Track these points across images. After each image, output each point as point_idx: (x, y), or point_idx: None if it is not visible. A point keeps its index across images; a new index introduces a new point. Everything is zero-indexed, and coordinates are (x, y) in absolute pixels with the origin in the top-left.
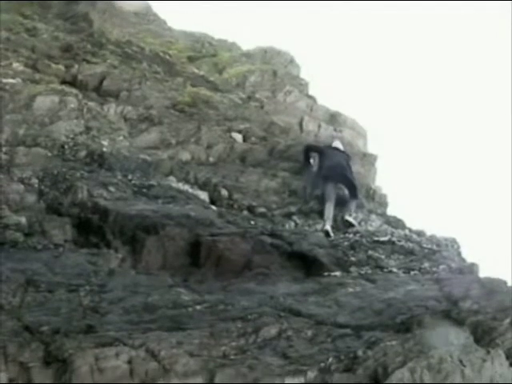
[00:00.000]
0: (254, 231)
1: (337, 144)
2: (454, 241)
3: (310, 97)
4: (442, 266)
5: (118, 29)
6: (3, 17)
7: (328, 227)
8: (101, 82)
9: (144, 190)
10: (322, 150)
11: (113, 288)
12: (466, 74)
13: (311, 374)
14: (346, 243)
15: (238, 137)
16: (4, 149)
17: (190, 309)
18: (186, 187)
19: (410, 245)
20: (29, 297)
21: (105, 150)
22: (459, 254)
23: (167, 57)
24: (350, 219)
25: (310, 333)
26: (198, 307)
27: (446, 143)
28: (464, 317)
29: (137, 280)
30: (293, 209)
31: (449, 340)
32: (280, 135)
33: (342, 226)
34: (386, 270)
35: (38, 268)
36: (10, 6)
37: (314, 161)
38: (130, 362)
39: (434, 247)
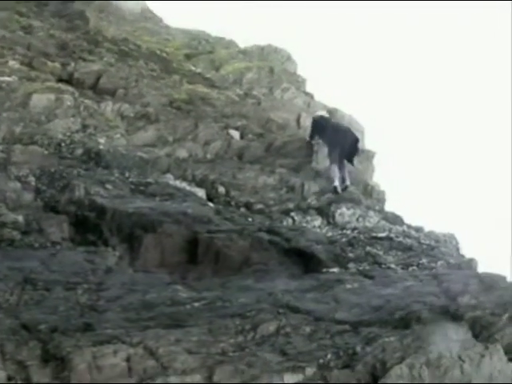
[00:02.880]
0: (252, 228)
1: None
2: (452, 237)
3: (307, 93)
4: (440, 262)
5: (114, 27)
6: None
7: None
8: (97, 80)
9: (141, 188)
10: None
11: (110, 286)
12: (464, 69)
13: (310, 371)
14: (343, 239)
15: (235, 134)
16: (1, 147)
17: (188, 306)
18: (184, 184)
19: (409, 241)
20: (26, 295)
21: (102, 147)
22: (458, 249)
23: (164, 54)
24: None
25: (308, 329)
26: (196, 304)
27: (443, 138)
28: (462, 312)
29: (134, 278)
30: (290, 205)
31: (447, 335)
32: (277, 132)
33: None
34: (384, 266)
35: (36, 266)
36: (5, 4)
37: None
38: (128, 359)
39: (433, 243)
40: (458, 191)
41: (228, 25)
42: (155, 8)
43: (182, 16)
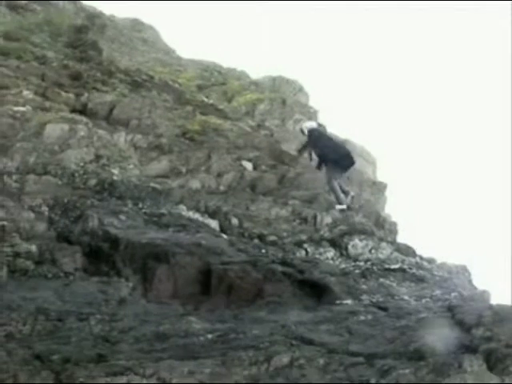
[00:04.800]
0: (265, 259)
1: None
2: (464, 268)
3: (320, 125)
4: (453, 294)
5: (127, 57)
6: (13, 45)
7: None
8: (111, 111)
9: (155, 219)
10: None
11: (123, 317)
12: (479, 97)
13: None
14: (357, 271)
15: (248, 165)
16: (14, 177)
17: (201, 337)
18: (197, 216)
19: (421, 272)
20: (39, 325)
21: (115, 178)
22: (470, 281)
23: (176, 85)
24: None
25: (322, 361)
26: (210, 336)
27: (456, 171)
28: (477, 344)
29: (147, 309)
30: (303, 237)
31: (462, 367)
32: (290, 163)
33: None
34: (397, 297)
35: (49, 296)
36: (19, 35)
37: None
38: None
39: (446, 275)
40: (469, 222)
41: (239, 55)
42: (167, 38)
43: (193, 46)
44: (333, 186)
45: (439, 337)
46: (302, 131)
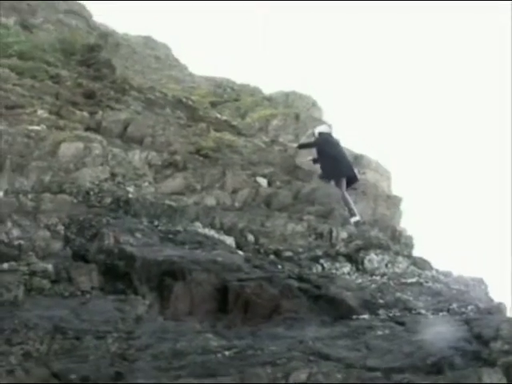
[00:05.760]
0: (282, 275)
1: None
2: (481, 281)
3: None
4: (470, 307)
5: (140, 75)
6: (28, 64)
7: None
8: (125, 128)
9: (170, 236)
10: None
11: (141, 334)
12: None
13: None
14: (373, 286)
15: (263, 181)
16: (30, 195)
17: (218, 355)
18: (212, 232)
19: (438, 286)
20: (56, 344)
21: (130, 196)
22: (487, 293)
23: (190, 102)
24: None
25: (339, 376)
26: (227, 353)
27: (472, 182)
28: (495, 357)
29: (165, 326)
30: (319, 252)
31: (481, 381)
32: (304, 179)
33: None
34: (414, 311)
35: (65, 315)
36: (34, 54)
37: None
38: None
39: (462, 288)
40: (484, 234)
41: (252, 70)
42: (179, 55)
43: (205, 63)
44: (345, 198)
45: (457, 350)
46: (314, 134)
